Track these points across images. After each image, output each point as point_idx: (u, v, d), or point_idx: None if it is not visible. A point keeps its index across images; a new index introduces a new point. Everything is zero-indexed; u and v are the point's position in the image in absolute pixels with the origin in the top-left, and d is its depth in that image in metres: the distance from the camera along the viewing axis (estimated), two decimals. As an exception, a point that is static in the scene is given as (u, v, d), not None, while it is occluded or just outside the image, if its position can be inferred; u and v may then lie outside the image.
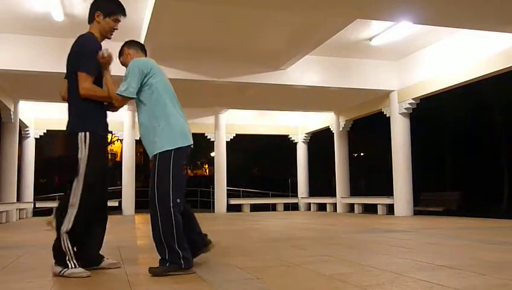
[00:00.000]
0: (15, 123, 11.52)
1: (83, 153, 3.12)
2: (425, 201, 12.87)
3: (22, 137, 13.56)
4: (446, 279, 2.76)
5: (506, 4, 6.60)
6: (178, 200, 3.06)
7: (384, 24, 8.52)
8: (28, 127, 13.56)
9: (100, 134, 3.26)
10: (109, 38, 3.49)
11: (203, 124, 15.55)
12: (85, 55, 3.24)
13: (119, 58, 3.54)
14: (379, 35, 9.07)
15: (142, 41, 8.35)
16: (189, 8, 7.15)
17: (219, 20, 7.93)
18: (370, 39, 9.34)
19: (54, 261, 3.08)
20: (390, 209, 11.68)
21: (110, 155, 34.73)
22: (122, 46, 3.53)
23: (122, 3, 3.44)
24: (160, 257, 3.07)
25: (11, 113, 11.17)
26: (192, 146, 3.24)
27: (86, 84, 3.17)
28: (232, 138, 16.06)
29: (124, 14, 3.43)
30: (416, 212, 11.20)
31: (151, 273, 3.01)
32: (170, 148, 3.09)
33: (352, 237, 5.80)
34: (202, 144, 21.15)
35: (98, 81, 3.29)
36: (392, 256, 3.86)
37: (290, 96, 12.07)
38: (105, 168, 3.42)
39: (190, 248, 3.11)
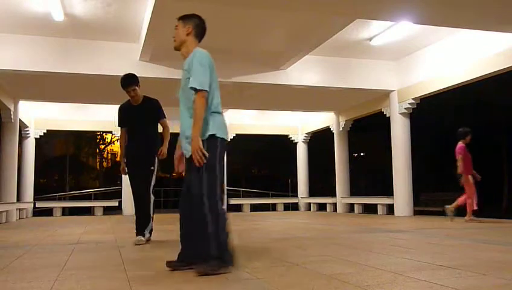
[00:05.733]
0: (15, 123, 11.51)
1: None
2: (425, 201, 12.88)
3: (22, 137, 13.54)
4: (446, 279, 2.76)
5: (506, 4, 6.60)
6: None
7: (384, 24, 8.51)
8: (28, 127, 13.55)
9: None
10: (134, 103, 5.21)
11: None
12: None
13: (179, 21, 3.42)
14: (379, 35, 9.07)
15: (142, 41, 8.39)
16: (189, 8, 7.10)
17: (219, 20, 7.90)
18: (370, 39, 9.33)
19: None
20: (390, 209, 11.68)
21: (110, 155, 34.78)
22: (190, 18, 3.44)
23: (127, 77, 5.14)
24: (204, 254, 3.00)
25: (11, 113, 11.16)
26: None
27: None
28: (232, 138, 16.05)
29: (127, 86, 5.08)
30: (416, 212, 11.19)
31: (197, 272, 2.95)
32: (218, 136, 3.12)
33: (352, 237, 5.80)
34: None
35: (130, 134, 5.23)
36: (392, 256, 3.86)
37: (290, 96, 12.06)
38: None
39: None
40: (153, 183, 5.08)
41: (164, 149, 5.21)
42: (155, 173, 5.12)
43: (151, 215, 5.08)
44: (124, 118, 5.25)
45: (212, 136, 3.09)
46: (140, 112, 5.15)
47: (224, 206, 3.15)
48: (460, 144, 8.46)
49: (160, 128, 5.38)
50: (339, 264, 3.44)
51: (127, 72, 5.26)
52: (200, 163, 3.00)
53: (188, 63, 3.22)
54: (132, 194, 5.16)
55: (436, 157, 24.47)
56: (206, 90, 3.09)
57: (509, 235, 5.98)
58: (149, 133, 5.18)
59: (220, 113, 3.21)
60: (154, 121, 5.26)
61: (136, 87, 5.09)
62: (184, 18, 3.40)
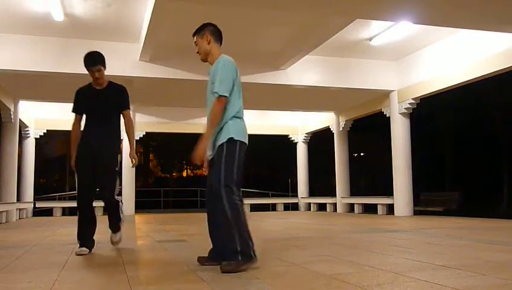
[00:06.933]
0: (15, 123, 11.50)
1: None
2: (425, 201, 12.88)
3: (22, 137, 13.54)
4: (446, 279, 2.76)
5: (506, 4, 6.60)
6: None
7: (384, 24, 8.51)
8: (28, 127, 13.55)
9: None
10: (97, 86, 4.45)
11: (203, 124, 15.52)
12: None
13: (196, 36, 3.53)
14: (379, 35, 9.07)
15: (142, 41, 8.39)
16: (189, 8, 7.15)
17: (219, 20, 7.83)
18: (370, 39, 9.34)
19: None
20: (390, 209, 11.68)
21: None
22: (204, 29, 3.54)
23: (93, 55, 4.39)
24: (230, 251, 3.10)
25: (11, 113, 11.16)
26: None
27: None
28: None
29: (92, 65, 4.32)
30: (416, 212, 11.19)
31: (223, 271, 3.02)
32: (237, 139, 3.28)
33: (352, 237, 5.80)
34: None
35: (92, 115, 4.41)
36: (392, 256, 3.86)
37: (290, 96, 12.06)
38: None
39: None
40: (117, 186, 4.47)
41: (133, 153, 4.53)
42: (117, 174, 4.50)
43: (121, 217, 4.61)
44: (81, 102, 4.41)
45: (231, 139, 3.26)
46: (103, 97, 4.38)
47: (242, 201, 3.30)
48: None
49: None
50: (339, 264, 3.44)
51: (93, 50, 4.49)
52: (198, 162, 3.29)
53: (213, 70, 3.38)
54: (79, 194, 4.32)
55: (436, 157, 24.48)
56: (226, 97, 3.25)
57: (509, 235, 5.98)
58: (111, 124, 4.41)
59: (241, 118, 3.38)
60: (117, 110, 4.46)
61: (102, 68, 4.36)
62: (199, 31, 3.55)
